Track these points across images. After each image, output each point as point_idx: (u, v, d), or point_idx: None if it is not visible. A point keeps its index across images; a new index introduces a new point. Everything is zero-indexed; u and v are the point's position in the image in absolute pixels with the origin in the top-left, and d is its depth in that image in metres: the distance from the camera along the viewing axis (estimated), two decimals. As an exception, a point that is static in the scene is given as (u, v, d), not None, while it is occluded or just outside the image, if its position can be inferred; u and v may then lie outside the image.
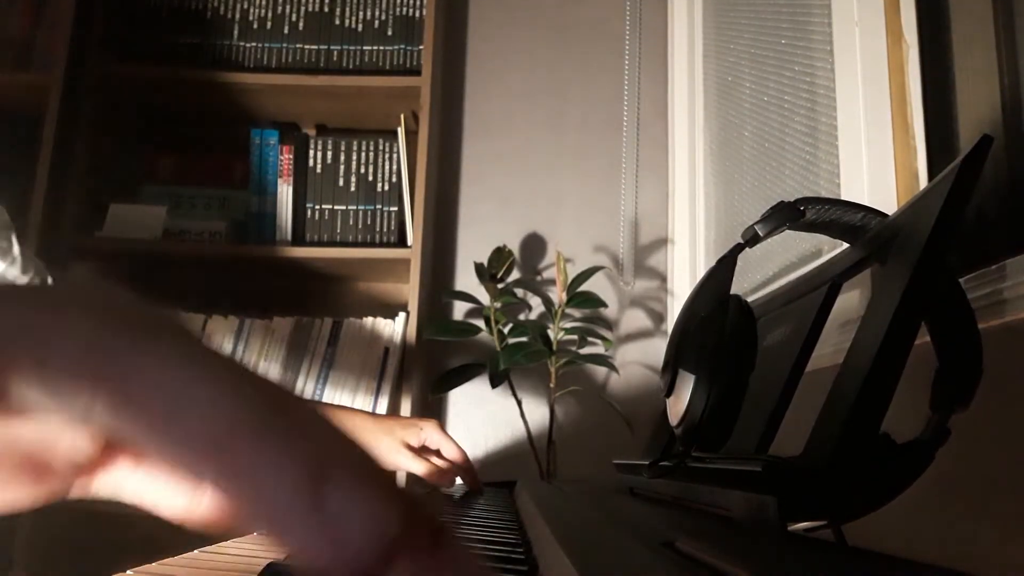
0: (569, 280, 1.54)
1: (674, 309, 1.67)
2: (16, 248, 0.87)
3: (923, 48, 0.93)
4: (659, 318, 1.70)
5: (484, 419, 1.66)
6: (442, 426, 0.98)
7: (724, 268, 0.44)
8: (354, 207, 1.63)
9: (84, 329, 0.17)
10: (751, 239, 0.42)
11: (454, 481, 0.98)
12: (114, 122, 1.69)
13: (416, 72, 1.61)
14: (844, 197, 0.96)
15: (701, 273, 0.43)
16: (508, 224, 1.74)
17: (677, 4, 1.76)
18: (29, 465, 0.20)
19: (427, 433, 0.96)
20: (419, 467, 0.93)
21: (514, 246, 1.65)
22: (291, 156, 1.66)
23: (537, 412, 1.59)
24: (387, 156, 1.65)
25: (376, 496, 0.16)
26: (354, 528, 0.16)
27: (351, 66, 1.65)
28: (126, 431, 0.16)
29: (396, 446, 0.92)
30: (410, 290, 1.52)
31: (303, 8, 1.67)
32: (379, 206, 1.63)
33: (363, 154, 1.65)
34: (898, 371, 0.33)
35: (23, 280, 0.87)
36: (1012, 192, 0.75)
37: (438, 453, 0.97)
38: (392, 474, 0.39)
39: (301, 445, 0.16)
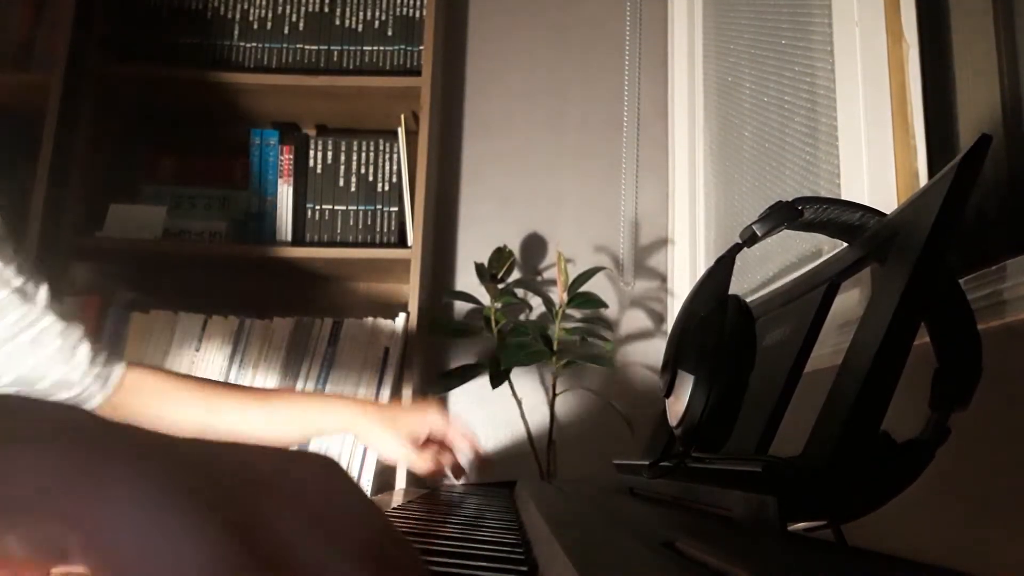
0: (569, 280, 1.54)
1: (674, 309, 1.67)
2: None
3: (923, 48, 0.93)
4: (659, 318, 1.70)
5: (484, 419, 1.66)
6: (444, 411, 0.98)
7: (723, 268, 0.44)
8: (354, 207, 1.63)
9: (47, 468, 0.16)
10: (749, 239, 0.42)
11: (463, 471, 1.00)
12: (114, 122, 1.69)
13: (416, 72, 1.61)
14: (844, 197, 0.96)
15: (701, 273, 0.43)
16: (508, 224, 1.74)
17: (677, 4, 1.76)
18: None
19: (431, 422, 0.95)
20: (424, 465, 0.93)
21: (514, 246, 1.65)
22: (291, 156, 1.66)
23: (537, 412, 1.59)
24: (387, 156, 1.65)
25: None
26: None
27: (351, 66, 1.65)
28: (97, 571, 0.16)
29: (400, 441, 0.91)
30: (410, 290, 1.52)
31: (303, 8, 1.67)
32: (379, 206, 1.63)
33: (363, 154, 1.65)
34: (898, 371, 0.33)
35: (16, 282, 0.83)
36: (1012, 192, 0.75)
37: (442, 444, 0.98)
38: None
39: None
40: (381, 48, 1.65)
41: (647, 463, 0.49)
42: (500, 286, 1.58)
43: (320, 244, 1.62)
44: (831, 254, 0.47)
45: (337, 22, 1.67)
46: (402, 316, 1.52)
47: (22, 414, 0.18)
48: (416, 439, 0.93)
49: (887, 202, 0.91)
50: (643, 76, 1.79)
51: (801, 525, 0.33)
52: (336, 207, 1.63)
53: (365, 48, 1.65)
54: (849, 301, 0.88)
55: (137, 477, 0.16)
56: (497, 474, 1.21)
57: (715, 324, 0.42)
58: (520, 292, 1.63)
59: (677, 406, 0.42)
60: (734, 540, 0.32)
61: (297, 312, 1.57)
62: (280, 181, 1.65)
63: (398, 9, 1.67)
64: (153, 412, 0.86)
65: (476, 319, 1.61)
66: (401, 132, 1.63)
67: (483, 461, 1.01)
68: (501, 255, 1.60)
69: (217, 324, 1.55)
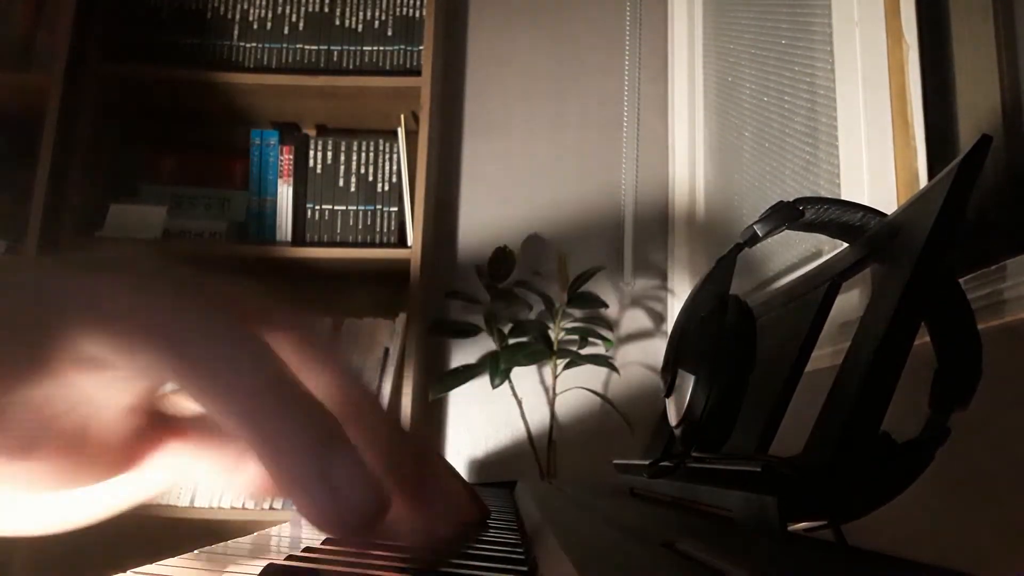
0: (569, 280, 1.54)
1: (674, 309, 1.67)
2: None
3: (923, 48, 0.93)
4: (659, 318, 1.70)
5: (484, 419, 1.66)
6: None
7: (723, 268, 0.44)
8: (354, 207, 1.63)
9: (146, 292, 0.19)
10: (750, 239, 0.42)
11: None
12: (114, 122, 1.69)
13: (416, 72, 1.61)
14: (844, 197, 0.96)
15: (701, 273, 0.43)
16: (508, 224, 1.75)
17: (677, 4, 1.76)
18: (75, 439, 0.21)
19: None
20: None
21: (514, 246, 1.65)
22: (291, 156, 1.66)
23: (537, 412, 1.60)
24: (387, 156, 1.65)
25: (370, 474, 0.19)
26: (354, 497, 0.18)
27: (351, 66, 1.65)
28: (179, 382, 0.18)
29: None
30: (410, 290, 1.52)
31: (303, 8, 1.67)
32: (379, 206, 1.63)
33: (363, 154, 1.65)
34: (898, 371, 0.33)
35: None
36: (1012, 192, 0.75)
37: None
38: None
39: (316, 420, 0.19)
40: (381, 48, 1.65)
41: (647, 463, 0.49)
42: (500, 286, 1.58)
43: (320, 244, 1.62)
44: (831, 254, 0.47)
45: (337, 22, 1.67)
46: (402, 316, 1.52)
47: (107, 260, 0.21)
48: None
49: (887, 202, 0.91)
50: (643, 76, 1.79)
51: (801, 525, 0.33)
52: (336, 207, 1.63)
53: (365, 48, 1.65)
54: (849, 301, 0.88)
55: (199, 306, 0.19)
56: (497, 474, 1.21)
57: (715, 324, 0.42)
58: (520, 292, 1.63)
59: (677, 406, 0.42)
60: (734, 540, 0.32)
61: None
62: (280, 181, 1.65)
63: (398, 9, 1.67)
64: None
65: (476, 319, 1.61)
66: (401, 132, 1.63)
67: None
68: (501, 255, 1.60)
69: (217, 324, 1.55)
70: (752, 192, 1.35)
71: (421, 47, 1.64)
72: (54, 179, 1.52)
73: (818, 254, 1.09)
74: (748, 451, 0.42)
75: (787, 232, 0.42)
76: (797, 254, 1.16)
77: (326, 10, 1.67)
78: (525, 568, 0.35)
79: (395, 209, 1.62)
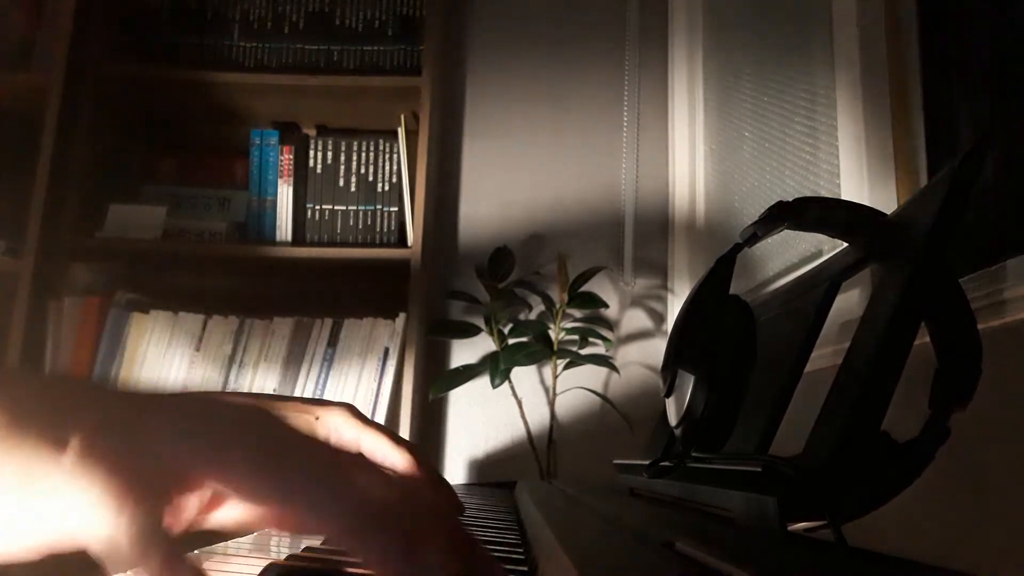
0: (569, 280, 1.54)
1: (674, 309, 1.67)
2: None
3: (923, 48, 0.93)
4: (659, 318, 1.70)
5: (484, 419, 1.66)
6: (358, 412, 0.50)
7: (723, 268, 0.44)
8: (354, 207, 1.63)
9: (252, 446, 0.26)
10: (750, 239, 0.42)
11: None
12: (114, 122, 1.69)
13: (416, 72, 1.61)
14: (844, 197, 0.96)
15: (701, 273, 0.43)
16: (508, 224, 1.74)
17: (677, 4, 1.76)
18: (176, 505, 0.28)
19: (329, 426, 0.53)
20: None
21: (514, 246, 1.65)
22: (291, 156, 1.66)
23: (537, 412, 1.59)
24: (387, 156, 1.65)
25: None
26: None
27: (351, 66, 1.65)
28: (274, 506, 0.26)
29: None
30: (410, 290, 1.52)
31: (303, 8, 1.67)
32: (379, 206, 1.63)
33: (363, 154, 1.65)
34: (898, 371, 0.33)
35: None
36: (1012, 192, 0.75)
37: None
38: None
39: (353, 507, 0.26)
40: (381, 48, 1.65)
41: (647, 463, 0.49)
42: (500, 286, 1.58)
43: (320, 244, 1.62)
44: (831, 254, 0.47)
45: (337, 22, 1.67)
46: (402, 316, 1.52)
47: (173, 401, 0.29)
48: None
49: (887, 202, 0.91)
50: (643, 76, 1.79)
51: (801, 525, 0.33)
52: (336, 207, 1.63)
53: (365, 48, 1.65)
54: (849, 301, 0.88)
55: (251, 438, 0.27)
56: (497, 474, 1.21)
57: (715, 324, 0.42)
58: (520, 292, 1.63)
59: (677, 406, 0.42)
60: (734, 540, 0.32)
61: (297, 312, 1.57)
62: (280, 181, 1.65)
63: (398, 9, 1.67)
64: None
65: (476, 319, 1.61)
66: (401, 132, 1.63)
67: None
68: (501, 255, 1.60)
69: (217, 324, 1.55)
70: (752, 192, 1.35)
71: (421, 47, 1.64)
72: (54, 179, 1.52)
73: (818, 254, 1.09)
74: (748, 451, 0.42)
75: (787, 232, 0.42)
76: (797, 254, 1.16)
77: (326, 10, 1.67)
78: (525, 568, 0.35)
79: (395, 209, 1.62)
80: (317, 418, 0.53)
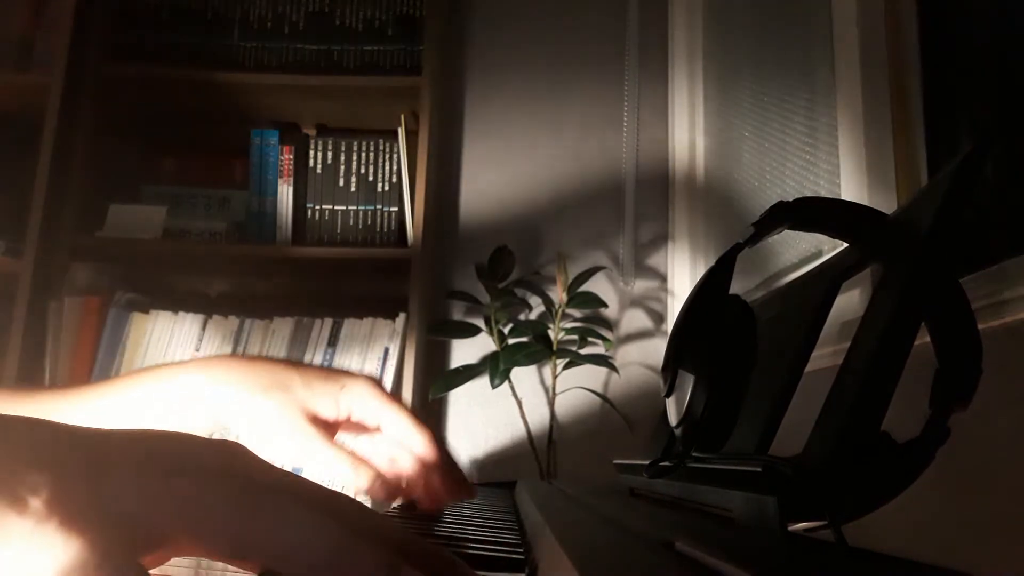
0: (569, 280, 1.54)
1: (674, 309, 1.67)
2: None
3: (923, 48, 0.93)
4: (659, 318, 1.70)
5: (484, 419, 1.66)
6: (381, 386, 0.55)
7: (723, 268, 0.44)
8: (354, 207, 1.63)
9: (227, 506, 0.25)
10: (750, 239, 0.42)
11: (398, 492, 0.54)
12: (114, 122, 1.69)
13: (416, 72, 1.61)
14: (844, 197, 0.96)
15: (701, 273, 0.43)
16: (508, 224, 1.75)
17: (677, 6, 1.76)
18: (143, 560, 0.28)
19: (353, 397, 0.54)
20: (340, 466, 0.51)
21: (514, 246, 1.65)
22: (291, 156, 1.66)
23: (537, 412, 1.60)
24: (387, 156, 1.65)
25: None
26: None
27: (351, 66, 1.65)
28: (241, 565, 0.26)
29: (299, 423, 0.51)
30: (410, 290, 1.52)
31: (303, 8, 1.67)
32: (379, 206, 1.63)
33: (363, 154, 1.65)
34: (898, 371, 0.33)
35: None
36: (1012, 192, 0.75)
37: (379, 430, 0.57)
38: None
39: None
40: (381, 48, 1.65)
41: (647, 463, 0.49)
42: (500, 286, 1.58)
43: (320, 244, 1.62)
44: (831, 254, 0.47)
45: (337, 22, 1.67)
46: (402, 316, 1.52)
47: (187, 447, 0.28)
48: (325, 422, 0.53)
49: (887, 202, 0.91)
50: (643, 76, 1.79)
51: (801, 525, 0.33)
52: (336, 207, 1.63)
53: (365, 48, 1.65)
54: (849, 301, 0.88)
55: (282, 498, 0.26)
56: (497, 474, 1.21)
57: (715, 324, 0.42)
58: (520, 292, 1.63)
59: (678, 406, 0.42)
60: (734, 540, 0.32)
61: (297, 312, 1.57)
62: (280, 181, 1.65)
63: (398, 8, 1.67)
64: None
65: (476, 319, 1.61)
66: (401, 132, 1.63)
67: (459, 488, 0.56)
68: (501, 255, 1.60)
69: (217, 324, 1.55)
70: (752, 192, 1.35)
71: (421, 47, 1.64)
72: (54, 179, 1.52)
73: (818, 254, 1.09)
74: (748, 451, 0.42)
75: (787, 232, 0.42)
76: (797, 254, 1.16)
77: (326, 10, 1.67)
78: (525, 568, 0.35)
79: (395, 209, 1.62)
80: (342, 387, 0.54)
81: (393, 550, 0.26)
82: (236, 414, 0.52)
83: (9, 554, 0.23)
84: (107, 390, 0.55)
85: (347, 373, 0.55)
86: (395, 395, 0.56)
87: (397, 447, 0.55)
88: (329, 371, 0.55)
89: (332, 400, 0.53)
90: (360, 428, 0.55)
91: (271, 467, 0.29)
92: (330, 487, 0.30)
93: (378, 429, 0.55)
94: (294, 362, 0.55)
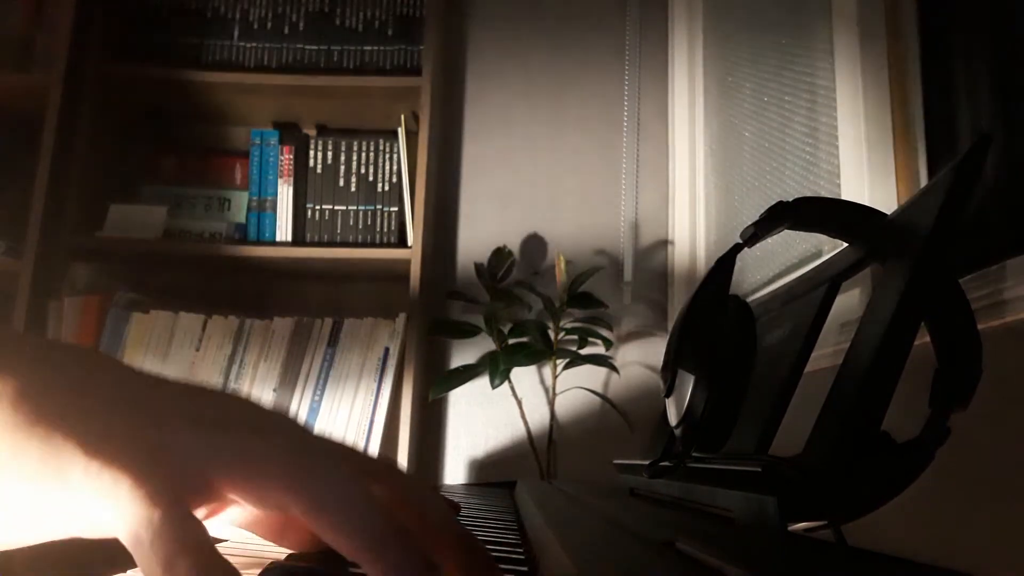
0: (569, 280, 1.54)
1: (674, 309, 1.67)
2: None
3: (923, 48, 0.93)
4: (659, 318, 1.70)
5: (484, 419, 1.66)
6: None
7: (723, 268, 0.44)
8: (354, 207, 1.63)
9: (281, 456, 0.25)
10: (750, 239, 0.42)
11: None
12: (114, 122, 1.69)
13: (416, 72, 1.61)
14: (844, 197, 0.96)
15: (701, 273, 0.43)
16: (508, 224, 1.75)
17: (677, 4, 1.76)
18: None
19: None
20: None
21: (514, 246, 1.65)
22: (291, 156, 1.66)
23: (537, 412, 1.60)
24: (387, 156, 1.65)
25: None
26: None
27: (351, 66, 1.65)
28: (296, 513, 0.25)
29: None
30: (410, 290, 1.52)
31: (303, 8, 1.67)
32: (379, 206, 1.63)
33: (363, 154, 1.65)
34: (898, 371, 0.33)
35: None
36: (1012, 192, 0.75)
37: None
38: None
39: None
40: (381, 48, 1.65)
41: (647, 463, 0.49)
42: (500, 286, 1.58)
43: (320, 244, 1.62)
44: (831, 254, 0.47)
45: (337, 22, 1.67)
46: (402, 316, 1.52)
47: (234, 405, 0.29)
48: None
49: (887, 202, 0.91)
50: (643, 76, 1.79)
51: (801, 525, 0.33)
52: (336, 207, 1.63)
53: (365, 48, 1.65)
54: (849, 301, 0.88)
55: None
56: (497, 474, 1.21)
57: (715, 324, 0.42)
58: (520, 292, 1.63)
59: (677, 406, 0.42)
60: (734, 540, 0.32)
61: (297, 312, 1.57)
62: (280, 181, 1.65)
63: (398, 9, 1.67)
64: None
65: (476, 319, 1.61)
66: (401, 132, 1.63)
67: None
68: (501, 255, 1.60)
69: (217, 324, 1.55)
70: (752, 192, 1.35)
71: (421, 47, 1.64)
72: (54, 179, 1.52)
73: (818, 254, 1.09)
74: (748, 451, 0.42)
75: (787, 232, 0.42)
76: (797, 254, 1.16)
77: (326, 10, 1.67)
78: (525, 568, 0.35)
79: (395, 209, 1.62)
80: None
81: (426, 548, 0.26)
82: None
83: (65, 496, 0.23)
84: None
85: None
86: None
87: None
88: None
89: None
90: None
91: (321, 435, 0.29)
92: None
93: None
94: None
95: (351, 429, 1.47)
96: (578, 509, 0.50)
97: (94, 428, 0.24)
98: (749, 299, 0.49)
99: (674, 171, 1.72)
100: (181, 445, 0.24)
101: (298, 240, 1.62)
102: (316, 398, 1.49)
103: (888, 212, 0.41)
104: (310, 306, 1.65)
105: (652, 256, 1.72)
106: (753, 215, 0.41)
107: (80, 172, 1.58)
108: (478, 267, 1.61)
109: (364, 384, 1.50)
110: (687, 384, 0.41)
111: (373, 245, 1.61)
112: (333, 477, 0.25)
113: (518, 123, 1.80)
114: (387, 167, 1.64)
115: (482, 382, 1.54)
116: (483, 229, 1.75)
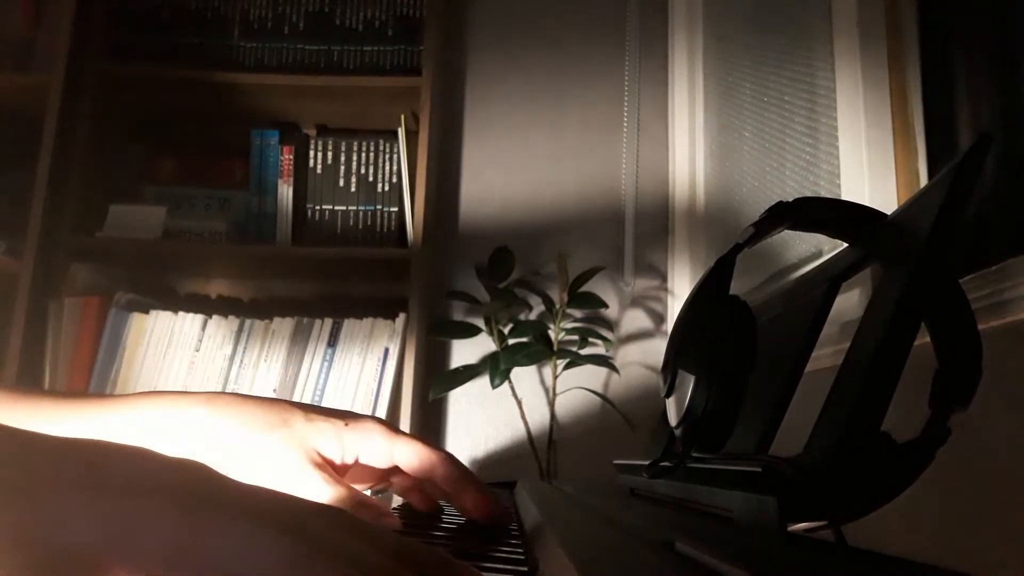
0: (569, 280, 1.54)
1: (674, 309, 1.67)
2: None
3: (923, 48, 0.93)
4: (659, 318, 1.70)
5: (484, 419, 1.66)
6: (389, 424, 0.54)
7: (723, 268, 0.44)
8: (354, 207, 1.63)
9: (163, 531, 0.22)
10: (750, 239, 0.42)
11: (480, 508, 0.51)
12: (114, 122, 1.69)
13: (416, 72, 1.61)
14: (844, 197, 0.96)
15: (701, 273, 0.43)
16: (508, 224, 1.74)
17: (677, 5, 1.76)
18: None
19: (358, 436, 0.52)
20: (341, 504, 0.48)
21: (514, 246, 1.65)
22: (291, 156, 1.66)
23: (537, 412, 1.59)
24: (387, 156, 1.65)
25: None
26: None
27: (351, 66, 1.65)
28: None
29: (303, 463, 0.50)
30: (410, 290, 1.52)
31: (303, 8, 1.67)
32: (379, 206, 1.63)
33: (363, 154, 1.65)
34: (898, 371, 0.33)
35: None
36: (1012, 192, 0.75)
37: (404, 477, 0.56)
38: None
39: None
40: (381, 48, 1.65)
41: (647, 463, 0.49)
42: (500, 286, 1.58)
43: (320, 244, 1.62)
44: (831, 254, 0.47)
45: (337, 22, 1.67)
46: (402, 316, 1.52)
47: (144, 463, 0.25)
48: (330, 461, 0.51)
49: (887, 202, 0.91)
50: (643, 76, 1.79)
51: (801, 525, 0.33)
52: (336, 207, 1.63)
53: (365, 48, 1.65)
54: (849, 301, 0.88)
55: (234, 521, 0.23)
56: (497, 474, 1.21)
57: (715, 324, 0.42)
58: (520, 292, 1.63)
59: (677, 406, 0.42)
60: (734, 540, 0.32)
61: (297, 312, 1.57)
62: (280, 181, 1.65)
63: (398, 9, 1.67)
64: None
65: (476, 319, 1.61)
66: (401, 132, 1.63)
67: (477, 504, 0.51)
68: (501, 255, 1.60)
69: (217, 324, 1.55)
70: (752, 192, 1.35)
71: (421, 47, 1.64)
72: (54, 179, 1.52)
73: (818, 254, 1.09)
74: (748, 451, 0.42)
75: (787, 232, 0.42)
76: (797, 254, 1.16)
77: (326, 10, 1.67)
78: (525, 568, 0.35)
79: (395, 209, 1.62)
80: (346, 424, 0.53)
81: (386, 557, 0.25)
82: (237, 450, 0.51)
83: None
84: (110, 407, 0.53)
85: (352, 413, 0.54)
86: (401, 429, 0.55)
87: (420, 479, 0.54)
88: (333, 410, 0.54)
89: (336, 438, 0.52)
90: (371, 472, 0.54)
91: (233, 483, 0.26)
92: (312, 500, 0.28)
93: (391, 470, 0.54)
94: (298, 402, 0.54)
95: (351, 429, 1.47)
96: (578, 509, 0.50)
97: None
98: (749, 299, 0.49)
99: (674, 171, 1.72)
100: (56, 521, 0.22)
101: (298, 240, 1.62)
102: (316, 398, 1.49)
103: (888, 212, 0.41)
104: (310, 306, 1.65)
105: (652, 256, 1.72)
106: (753, 215, 0.41)
107: (80, 172, 1.58)
108: (478, 267, 1.61)
109: (364, 384, 1.50)
110: (687, 384, 0.41)
111: (373, 245, 1.61)
112: (228, 538, 0.23)
113: (518, 123, 1.80)
114: (387, 167, 1.64)
115: (482, 382, 1.54)
116: (483, 229, 1.75)
